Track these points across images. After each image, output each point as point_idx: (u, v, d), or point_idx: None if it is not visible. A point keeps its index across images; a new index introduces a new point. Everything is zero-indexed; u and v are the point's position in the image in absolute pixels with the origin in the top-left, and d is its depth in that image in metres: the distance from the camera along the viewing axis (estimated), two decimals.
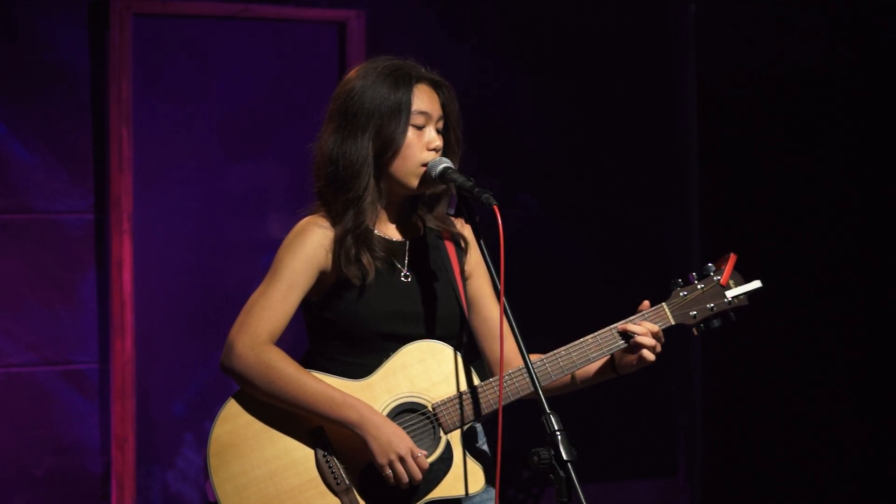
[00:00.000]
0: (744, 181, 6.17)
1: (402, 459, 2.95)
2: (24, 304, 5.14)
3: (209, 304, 5.43)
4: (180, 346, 5.43)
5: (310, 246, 3.04)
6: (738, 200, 6.19)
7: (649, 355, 3.07)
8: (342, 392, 2.98)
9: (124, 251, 5.21)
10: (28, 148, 5.14)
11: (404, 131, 3.02)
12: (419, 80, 3.06)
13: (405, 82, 3.03)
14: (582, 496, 2.70)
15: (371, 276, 3.02)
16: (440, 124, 3.08)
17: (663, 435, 6.26)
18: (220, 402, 3.04)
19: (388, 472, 2.95)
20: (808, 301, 6.06)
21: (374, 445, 2.94)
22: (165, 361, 5.42)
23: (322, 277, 3.05)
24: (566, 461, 2.72)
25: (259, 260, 5.48)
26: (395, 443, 2.94)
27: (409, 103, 3.02)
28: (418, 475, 2.97)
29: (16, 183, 5.13)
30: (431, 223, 3.15)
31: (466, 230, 3.18)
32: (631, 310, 3.17)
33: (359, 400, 2.97)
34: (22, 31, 5.13)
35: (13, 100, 5.13)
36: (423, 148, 3.04)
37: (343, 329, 3.05)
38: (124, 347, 5.20)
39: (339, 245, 3.03)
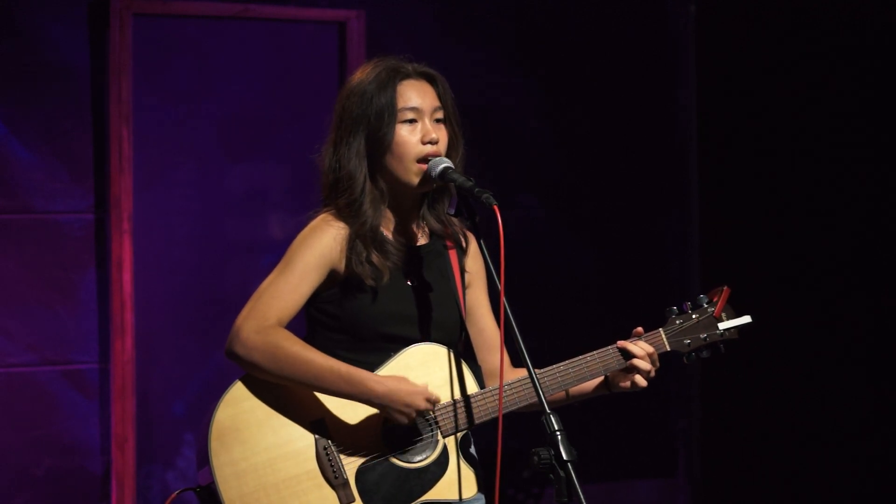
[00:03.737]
0: (744, 181, 6.17)
1: (423, 412, 2.99)
2: (24, 304, 5.14)
3: (209, 304, 5.43)
4: (180, 346, 5.43)
5: (325, 242, 3.05)
6: (737, 200, 6.19)
7: (642, 381, 3.14)
8: (348, 367, 2.99)
9: (124, 251, 5.21)
10: (28, 148, 5.14)
11: (392, 129, 3.04)
12: (406, 76, 3.08)
13: (391, 81, 3.06)
14: (582, 496, 2.70)
15: (386, 277, 3.05)
16: (438, 115, 3.09)
17: (663, 435, 6.26)
18: None
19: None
20: (808, 301, 6.06)
21: (394, 415, 2.97)
22: (165, 361, 5.42)
23: (332, 275, 3.06)
24: (566, 461, 2.73)
25: (259, 260, 5.48)
26: (410, 402, 2.97)
27: (393, 101, 3.05)
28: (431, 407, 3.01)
29: (16, 183, 5.13)
30: (437, 229, 3.16)
31: (469, 236, 3.20)
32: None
33: (364, 372, 2.98)
34: (22, 31, 5.13)
35: (13, 100, 5.13)
36: (417, 142, 3.06)
37: (347, 327, 3.06)
38: (124, 347, 5.20)
39: (350, 246, 3.05)
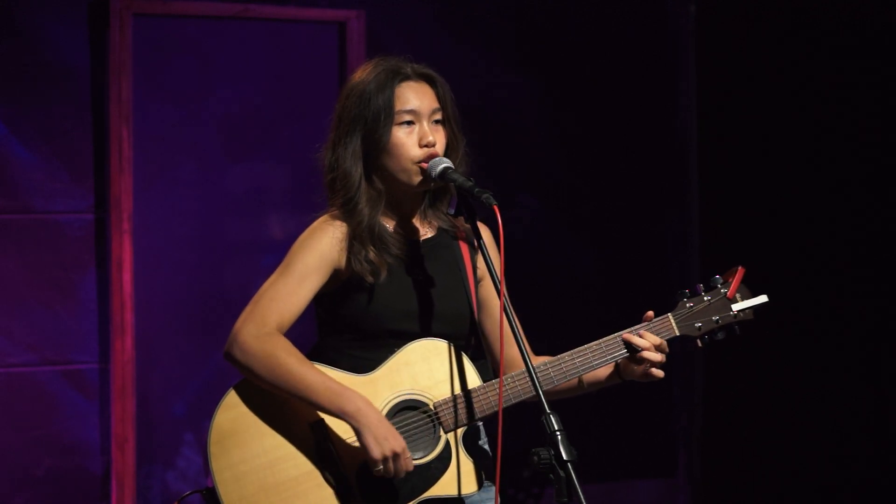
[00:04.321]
0: (744, 181, 6.17)
1: (395, 457, 2.94)
2: (24, 304, 5.14)
3: (209, 304, 5.43)
4: (180, 346, 5.43)
5: (325, 242, 3.05)
6: (737, 200, 6.19)
7: (658, 372, 3.10)
8: (341, 384, 2.98)
9: (124, 251, 5.21)
10: (28, 148, 5.14)
11: (388, 131, 3.04)
12: (405, 77, 3.08)
13: (389, 82, 3.06)
14: (582, 496, 2.70)
15: (383, 274, 3.04)
16: (437, 117, 3.09)
17: (663, 435, 6.26)
18: None
19: (381, 467, 2.95)
20: (809, 301, 6.06)
21: (369, 439, 2.93)
22: (165, 361, 5.42)
23: (336, 274, 3.06)
24: (566, 461, 2.72)
25: (259, 260, 5.48)
26: (391, 439, 2.94)
27: (391, 103, 3.04)
28: (402, 475, 2.97)
29: (16, 183, 5.13)
30: (445, 223, 3.16)
31: (483, 231, 3.16)
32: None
33: (357, 393, 2.97)
34: (22, 31, 5.13)
35: (13, 100, 5.13)
36: (414, 145, 3.05)
37: (354, 324, 3.06)
38: (124, 347, 5.20)
39: (349, 245, 3.04)
